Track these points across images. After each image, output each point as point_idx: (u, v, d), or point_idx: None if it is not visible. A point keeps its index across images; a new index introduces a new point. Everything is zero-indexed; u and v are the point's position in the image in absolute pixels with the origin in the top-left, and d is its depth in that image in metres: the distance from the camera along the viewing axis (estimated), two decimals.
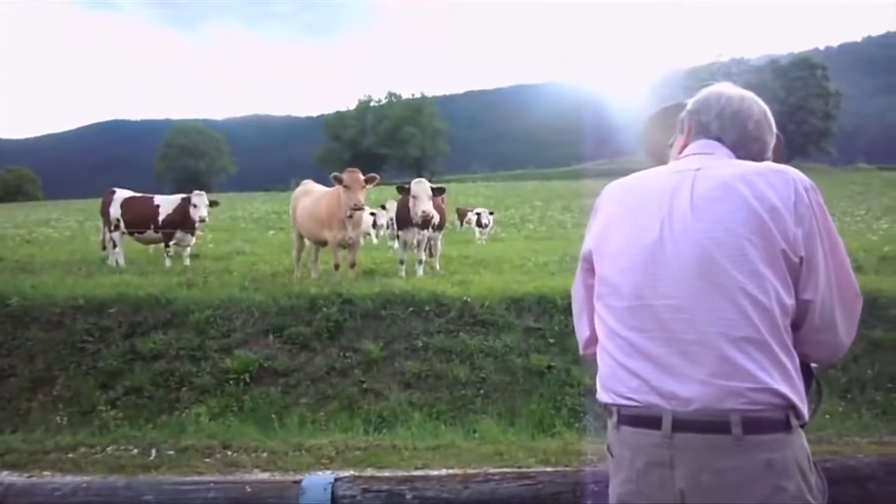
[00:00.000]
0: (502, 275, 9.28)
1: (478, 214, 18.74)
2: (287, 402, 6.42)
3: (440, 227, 9.99)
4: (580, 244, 1.84)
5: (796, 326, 1.59)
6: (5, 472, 4.51)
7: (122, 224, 11.37)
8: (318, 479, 1.69)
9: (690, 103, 1.88)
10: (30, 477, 4.09)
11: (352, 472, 2.01)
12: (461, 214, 21.47)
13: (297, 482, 1.69)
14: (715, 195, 1.58)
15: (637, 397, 1.57)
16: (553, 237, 17.85)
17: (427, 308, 7.35)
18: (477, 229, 18.39)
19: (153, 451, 5.32)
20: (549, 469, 2.16)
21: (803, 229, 1.54)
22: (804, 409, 1.53)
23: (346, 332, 7.12)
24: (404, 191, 9.25)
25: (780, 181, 1.57)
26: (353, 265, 8.95)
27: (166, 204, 11.54)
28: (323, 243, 9.09)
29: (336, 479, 1.69)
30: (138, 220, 11.38)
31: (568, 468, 2.24)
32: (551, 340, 6.98)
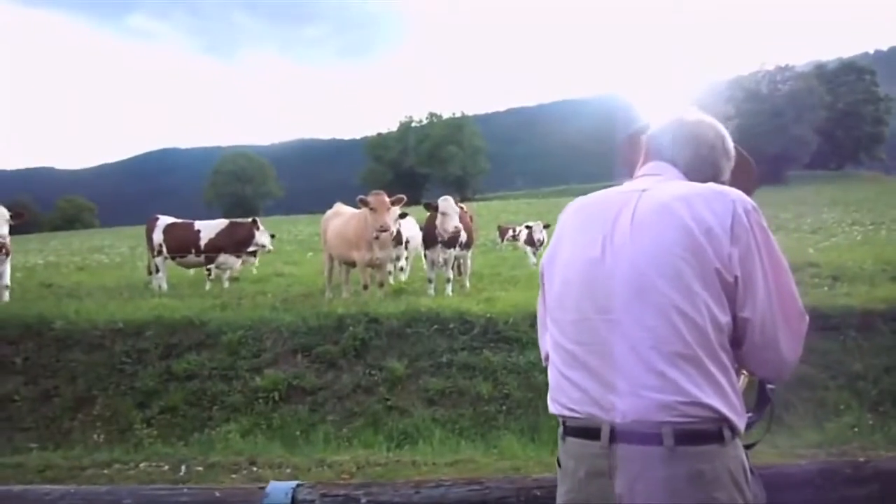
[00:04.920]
0: (530, 291, 9.31)
1: (528, 228, 15.49)
2: (314, 420, 6.58)
3: (468, 244, 10.10)
4: None
5: (738, 344, 1.64)
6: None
7: (164, 249, 11.78)
8: (281, 485, 1.81)
9: (652, 127, 1.96)
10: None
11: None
12: (502, 232, 21.20)
13: (263, 488, 1.83)
14: (654, 215, 1.65)
15: (579, 409, 1.64)
16: None
17: (451, 325, 7.45)
18: (528, 248, 15.25)
19: (183, 468, 5.52)
20: (499, 476, 2.25)
21: (739, 249, 1.59)
22: (738, 423, 1.58)
23: (371, 351, 7.27)
24: (432, 208, 9.37)
25: (719, 202, 1.62)
26: (381, 285, 9.13)
27: (207, 229, 11.92)
28: (352, 264, 9.29)
29: (298, 485, 1.81)
30: (179, 245, 11.78)
31: (516, 475, 2.32)
32: None
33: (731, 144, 1.89)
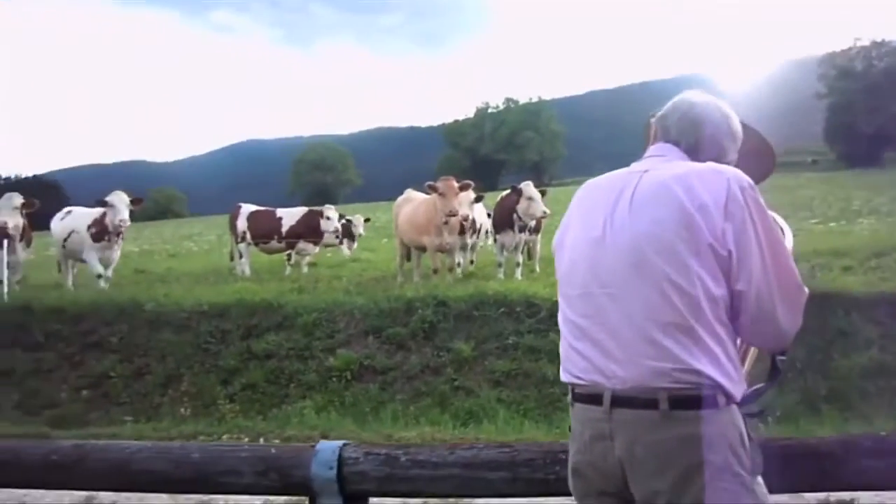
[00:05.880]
0: None
1: None
2: (384, 398, 6.85)
3: (537, 229, 10.18)
4: None
5: (737, 316, 1.72)
6: None
7: (248, 236, 12.31)
8: (330, 444, 2.01)
9: (663, 109, 2.04)
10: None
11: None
12: None
13: (314, 446, 2.02)
14: (652, 195, 1.75)
15: (584, 376, 1.77)
16: None
17: (518, 309, 7.56)
18: None
19: (261, 440, 5.89)
20: (527, 441, 2.37)
21: (734, 225, 1.66)
22: (734, 390, 1.67)
23: (440, 333, 7.47)
24: (516, 192, 9.52)
25: (715, 180, 1.71)
26: (451, 269, 9.33)
27: (288, 216, 12.41)
28: (423, 248, 9.53)
29: (344, 444, 2.00)
30: (263, 231, 12.29)
31: (545, 441, 2.44)
32: None
33: (737, 126, 1.95)
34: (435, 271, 9.25)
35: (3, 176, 58.00)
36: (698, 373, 1.63)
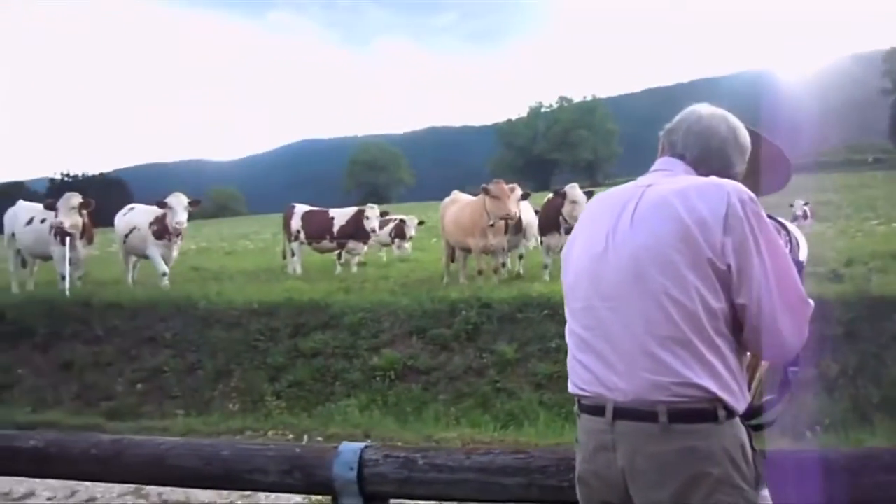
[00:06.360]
0: None
1: None
2: (426, 399, 6.91)
3: None
4: None
5: (740, 329, 1.72)
6: None
7: (301, 235, 12.55)
8: (352, 446, 2.07)
9: (671, 122, 2.03)
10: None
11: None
12: None
13: (336, 447, 2.08)
14: (652, 209, 1.76)
15: (588, 388, 1.79)
16: None
17: (561, 311, 7.48)
18: None
19: (305, 437, 6.03)
20: (543, 448, 2.39)
21: (734, 239, 1.66)
22: (735, 404, 1.66)
23: (483, 335, 7.50)
24: (559, 195, 9.52)
25: (715, 194, 1.70)
26: (496, 270, 9.35)
27: (340, 216, 12.60)
28: (468, 250, 9.57)
29: (366, 446, 2.06)
30: (316, 231, 12.51)
31: (560, 448, 2.46)
32: None
33: (745, 138, 1.93)
34: (480, 272, 9.28)
35: (72, 174, 60.63)
36: (697, 386, 1.64)
